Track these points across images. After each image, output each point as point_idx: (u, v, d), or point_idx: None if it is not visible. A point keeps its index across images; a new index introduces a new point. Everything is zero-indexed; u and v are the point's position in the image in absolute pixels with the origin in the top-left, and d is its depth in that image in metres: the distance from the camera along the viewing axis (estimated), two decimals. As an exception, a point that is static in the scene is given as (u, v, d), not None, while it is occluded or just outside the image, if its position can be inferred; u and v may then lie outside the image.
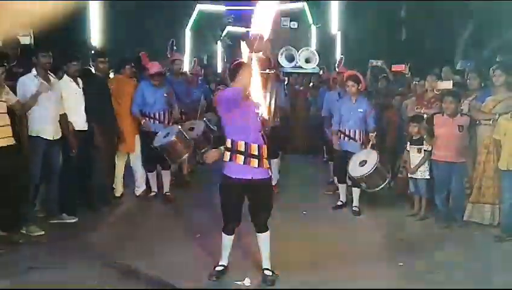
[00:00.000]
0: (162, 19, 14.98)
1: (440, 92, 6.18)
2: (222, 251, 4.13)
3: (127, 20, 12.40)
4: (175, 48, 7.56)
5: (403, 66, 8.37)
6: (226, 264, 4.15)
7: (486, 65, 6.43)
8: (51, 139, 5.08)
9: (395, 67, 8.62)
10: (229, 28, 21.68)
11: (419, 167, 5.81)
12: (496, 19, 10.84)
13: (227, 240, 4.10)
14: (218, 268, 4.13)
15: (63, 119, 5.26)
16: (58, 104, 5.19)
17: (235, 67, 3.90)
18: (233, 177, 3.88)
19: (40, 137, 5.00)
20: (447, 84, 6.13)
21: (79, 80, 5.56)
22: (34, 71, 4.99)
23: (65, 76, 5.46)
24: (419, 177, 5.84)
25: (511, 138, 4.98)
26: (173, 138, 5.83)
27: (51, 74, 5.14)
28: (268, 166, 3.97)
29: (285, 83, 10.74)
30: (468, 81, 6.10)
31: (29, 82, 4.92)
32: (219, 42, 21.25)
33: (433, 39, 11.76)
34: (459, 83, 6.45)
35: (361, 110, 6.09)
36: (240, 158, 3.84)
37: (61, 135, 5.22)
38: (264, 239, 4.07)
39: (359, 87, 6.12)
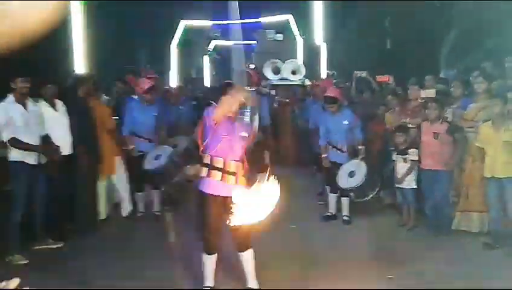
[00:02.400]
0: (148, 37, 15.00)
1: (424, 101, 6.23)
2: (204, 272, 4.05)
3: (112, 39, 12.38)
4: (148, 66, 7.58)
5: (387, 77, 8.45)
6: (211, 285, 4.07)
7: (469, 73, 6.48)
8: (35, 164, 5.00)
9: (379, 78, 8.67)
10: (215, 42, 21.80)
11: (405, 177, 5.82)
12: (478, 27, 10.96)
13: (208, 260, 4.01)
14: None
15: (46, 144, 5.17)
16: (39, 128, 5.11)
17: (223, 87, 3.99)
18: (209, 193, 3.85)
19: (23, 162, 4.92)
20: (430, 93, 6.18)
21: (58, 103, 5.49)
22: (11, 97, 4.91)
23: (40, 100, 5.37)
24: (406, 187, 5.85)
25: (494, 146, 5.00)
26: (166, 161, 5.83)
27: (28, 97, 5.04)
28: (246, 183, 3.90)
29: (271, 95, 10.80)
30: (451, 89, 6.15)
31: (11, 108, 4.85)
32: (206, 56, 21.33)
33: (416, 48, 11.86)
34: (443, 91, 6.49)
35: (347, 122, 6.14)
36: (217, 175, 3.81)
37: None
38: (246, 258, 4.01)
39: (339, 104, 6.16)
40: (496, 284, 4.24)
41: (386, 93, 7.77)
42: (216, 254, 4.02)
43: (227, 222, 3.82)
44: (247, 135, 3.77)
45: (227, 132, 3.79)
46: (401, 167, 5.87)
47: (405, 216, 5.96)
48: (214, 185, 3.84)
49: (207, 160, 3.85)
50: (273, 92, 11.29)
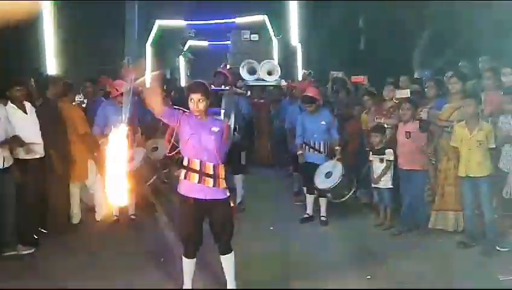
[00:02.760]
0: (121, 36, 14.75)
1: (398, 101, 6.28)
2: (184, 276, 3.99)
3: (84, 39, 12.13)
4: (131, 65, 7.39)
5: (362, 78, 8.49)
6: (190, 289, 4.01)
7: (443, 73, 6.56)
8: (1, 167, 4.84)
9: (354, 79, 8.72)
10: (190, 42, 21.65)
11: (382, 177, 5.84)
12: (452, 28, 11.11)
13: (187, 264, 3.94)
14: None
15: (13, 140, 5.01)
16: (3, 130, 4.94)
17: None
18: (187, 196, 3.77)
19: None
20: (405, 93, 6.22)
21: (27, 105, 5.32)
22: None
23: (9, 103, 5.20)
24: (382, 186, 5.87)
25: (467, 145, 5.05)
26: (139, 163, 5.70)
27: None
28: (225, 186, 3.83)
29: (247, 95, 10.74)
30: (426, 89, 6.20)
31: None
32: (181, 56, 21.15)
33: (391, 48, 11.96)
34: (417, 91, 6.54)
35: (324, 123, 6.15)
36: (194, 177, 3.73)
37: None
38: (227, 261, 3.95)
39: (317, 104, 6.17)
40: (470, 283, 4.28)
41: (361, 93, 7.83)
42: (194, 258, 3.94)
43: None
44: (217, 129, 3.72)
45: (194, 130, 3.71)
46: (377, 167, 5.90)
47: (381, 216, 5.99)
48: (191, 187, 3.76)
49: (185, 162, 3.78)
50: (248, 93, 11.24)
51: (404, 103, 5.74)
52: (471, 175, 5.02)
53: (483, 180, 4.96)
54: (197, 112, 3.71)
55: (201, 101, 3.70)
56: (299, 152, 6.28)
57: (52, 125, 5.51)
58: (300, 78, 11.06)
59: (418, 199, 5.62)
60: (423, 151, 5.53)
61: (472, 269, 4.66)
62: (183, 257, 3.94)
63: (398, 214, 5.92)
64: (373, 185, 6.00)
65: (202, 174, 3.72)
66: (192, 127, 3.72)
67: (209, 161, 3.74)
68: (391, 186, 5.84)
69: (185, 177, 3.76)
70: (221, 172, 3.78)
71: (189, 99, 3.73)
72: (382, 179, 5.84)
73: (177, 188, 3.88)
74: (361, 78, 8.64)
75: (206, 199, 3.74)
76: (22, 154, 5.16)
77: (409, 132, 5.57)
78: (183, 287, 4.00)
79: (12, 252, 5.06)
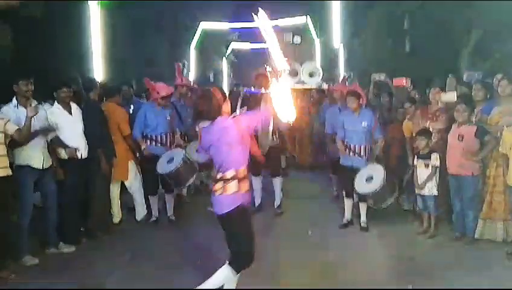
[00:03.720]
0: (166, 39, 14.98)
1: (445, 105, 6.04)
2: None
3: (130, 41, 12.39)
4: (185, 70, 7.40)
5: (404, 80, 8.23)
6: None
7: (491, 76, 6.26)
8: (41, 168, 4.95)
9: (395, 81, 8.47)
10: (233, 45, 21.77)
11: (426, 183, 5.62)
12: (500, 29, 10.67)
13: (233, 279, 3.70)
14: None
15: (54, 143, 5.13)
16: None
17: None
18: (235, 208, 3.61)
19: (29, 166, 4.87)
20: (451, 96, 5.97)
21: (73, 106, 5.43)
22: (14, 100, 4.88)
23: (55, 103, 5.33)
24: (427, 193, 5.65)
25: (518, 152, 4.78)
26: (179, 165, 5.75)
27: (34, 100, 4.98)
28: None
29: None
30: (473, 92, 5.93)
31: (10, 112, 4.80)
32: (224, 59, 21.30)
33: (437, 50, 11.58)
34: (465, 94, 6.26)
35: (366, 123, 5.95)
36: (246, 185, 3.67)
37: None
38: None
39: (360, 102, 6.01)
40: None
41: (403, 96, 7.58)
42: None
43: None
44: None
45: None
46: (422, 172, 5.67)
47: (425, 224, 5.76)
48: (244, 196, 3.66)
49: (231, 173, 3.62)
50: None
51: (459, 103, 5.45)
52: (521, 184, 4.75)
53: (534, 189, 4.69)
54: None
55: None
56: (340, 148, 6.08)
57: (99, 126, 5.61)
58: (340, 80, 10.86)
59: (468, 206, 5.34)
60: (474, 157, 5.23)
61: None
62: (235, 272, 3.69)
63: (442, 222, 5.70)
64: (417, 192, 5.78)
65: (240, 180, 3.62)
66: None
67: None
68: (436, 193, 5.61)
69: (221, 193, 3.60)
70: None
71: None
72: (427, 185, 5.61)
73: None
74: (402, 81, 8.37)
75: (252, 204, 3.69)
76: (63, 155, 5.28)
77: (462, 135, 5.31)
78: None
79: (54, 250, 5.18)
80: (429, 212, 5.71)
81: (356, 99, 5.96)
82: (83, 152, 5.40)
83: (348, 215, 6.20)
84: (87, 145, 5.44)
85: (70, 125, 5.33)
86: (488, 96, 5.77)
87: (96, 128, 5.54)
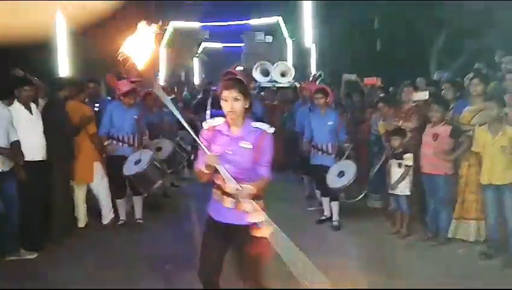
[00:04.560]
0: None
1: (416, 104, 6.03)
2: None
3: (97, 40, 12.04)
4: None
5: (375, 79, 8.26)
6: None
7: (460, 75, 6.30)
8: (1, 171, 4.69)
9: (367, 81, 8.48)
10: (205, 44, 21.56)
11: (399, 183, 5.58)
12: (468, 28, 10.83)
13: None
14: None
15: (15, 147, 4.85)
16: (6, 132, 4.78)
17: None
18: (210, 216, 3.16)
19: None
20: (423, 96, 5.98)
21: (33, 106, 5.18)
22: None
23: (15, 102, 5.06)
24: (400, 193, 5.61)
25: (490, 151, 4.77)
26: (146, 166, 5.54)
27: None
28: (251, 209, 2.88)
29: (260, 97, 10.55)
30: (442, 92, 5.94)
31: None
32: (195, 58, 21.07)
33: (407, 49, 11.69)
34: (434, 93, 6.27)
35: (331, 123, 6.04)
36: (217, 194, 3.11)
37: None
38: None
39: (327, 100, 6.08)
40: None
41: (374, 95, 7.60)
42: None
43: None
44: (250, 146, 3.02)
45: (221, 149, 3.05)
46: (395, 172, 5.63)
47: (398, 224, 5.73)
48: (214, 206, 3.13)
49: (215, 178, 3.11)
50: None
51: (433, 103, 5.43)
52: (494, 183, 4.74)
53: (507, 188, 4.68)
54: (231, 114, 3.00)
55: (237, 99, 2.99)
56: (306, 147, 6.20)
57: (59, 126, 5.36)
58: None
59: (440, 205, 5.31)
60: (447, 157, 5.21)
61: (494, 281, 4.38)
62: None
63: (416, 222, 5.69)
64: (390, 191, 5.74)
65: (223, 193, 3.05)
66: (220, 145, 3.05)
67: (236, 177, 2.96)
68: (408, 193, 5.57)
69: (212, 194, 3.15)
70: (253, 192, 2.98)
71: (222, 99, 3.03)
72: (399, 185, 5.58)
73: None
74: (374, 80, 8.40)
75: (229, 224, 3.06)
76: (26, 156, 5.01)
77: (437, 134, 5.28)
78: None
79: (15, 257, 4.91)
80: (402, 211, 5.67)
81: (323, 97, 6.01)
82: (41, 153, 5.15)
83: (326, 211, 6.25)
84: (45, 146, 5.19)
85: (30, 125, 5.07)
86: (458, 95, 5.80)
87: (56, 128, 5.30)
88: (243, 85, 3.05)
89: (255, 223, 2.85)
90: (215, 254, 3.12)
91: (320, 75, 9.74)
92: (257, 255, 3.03)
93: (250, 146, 3.02)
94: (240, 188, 2.89)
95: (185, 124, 3.04)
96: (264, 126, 3.11)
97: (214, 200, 3.13)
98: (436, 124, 5.30)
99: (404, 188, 5.57)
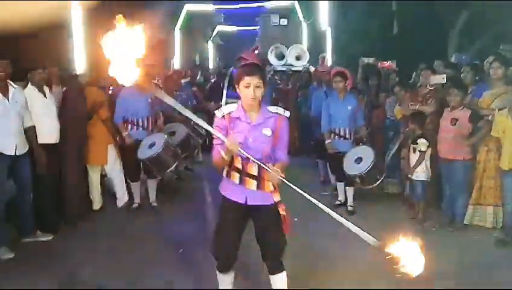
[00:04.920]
0: (150, 21, 14.60)
1: (434, 88, 5.91)
2: None
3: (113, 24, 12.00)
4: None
5: (389, 63, 8.13)
6: None
7: (479, 58, 6.14)
8: (14, 155, 4.69)
9: (381, 64, 8.35)
10: (219, 27, 21.41)
11: (416, 168, 5.49)
12: (489, 10, 10.54)
13: (222, 279, 3.31)
14: None
15: (30, 132, 4.86)
16: (21, 116, 4.78)
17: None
18: (227, 197, 3.20)
19: (2, 153, 4.60)
20: (440, 79, 5.85)
21: (46, 90, 5.18)
22: None
23: (29, 85, 5.07)
24: (415, 178, 5.53)
25: (511, 136, 4.65)
26: (160, 150, 5.55)
27: (10, 82, 4.71)
28: (272, 190, 3.11)
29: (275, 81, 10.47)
30: (462, 75, 5.81)
31: None
32: (210, 42, 20.97)
33: (425, 32, 11.44)
34: (452, 77, 6.13)
35: (350, 107, 5.94)
36: (235, 176, 3.11)
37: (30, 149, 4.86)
38: (277, 282, 3.29)
39: (346, 84, 5.95)
40: (510, 284, 3.97)
41: (391, 83, 7.48)
42: (233, 274, 3.34)
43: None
44: (270, 133, 3.07)
45: (242, 136, 3.05)
46: (412, 157, 5.55)
47: (416, 209, 5.65)
48: (232, 188, 3.16)
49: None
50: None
51: (452, 87, 5.30)
52: (514, 168, 4.63)
53: (527, 173, 4.58)
54: (252, 100, 3.02)
55: (259, 86, 3.02)
56: (327, 141, 6.01)
57: (78, 110, 5.43)
58: (329, 62, 10.68)
59: (459, 191, 5.22)
60: (466, 141, 5.09)
61: (511, 268, 4.31)
62: (217, 271, 3.32)
63: (432, 208, 5.63)
64: (408, 175, 5.67)
65: (245, 174, 3.09)
66: (240, 132, 3.05)
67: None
68: (423, 179, 5.48)
69: (227, 175, 3.17)
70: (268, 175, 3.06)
71: (242, 85, 3.03)
72: (416, 171, 5.48)
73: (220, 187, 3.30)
74: (388, 64, 8.26)
75: (246, 204, 3.14)
76: (40, 140, 5.02)
77: (456, 118, 5.15)
78: None
79: (31, 239, 4.97)
80: (417, 197, 5.60)
81: (342, 80, 5.90)
82: (55, 136, 5.18)
83: (341, 197, 6.21)
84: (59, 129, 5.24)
85: (44, 108, 5.09)
86: (477, 79, 5.67)
87: (73, 111, 5.36)
88: (263, 72, 3.09)
89: (276, 203, 3.09)
90: (236, 235, 3.20)
91: (324, 58, 9.62)
92: (280, 232, 3.18)
93: (270, 132, 3.08)
94: (279, 171, 2.98)
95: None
96: (279, 110, 3.16)
97: (231, 182, 3.15)
98: (454, 109, 5.18)
99: (419, 174, 5.49)
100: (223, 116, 3.11)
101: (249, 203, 3.13)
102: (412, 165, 5.51)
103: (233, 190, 3.16)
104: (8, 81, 4.67)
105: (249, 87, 3.01)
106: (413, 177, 5.53)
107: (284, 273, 3.29)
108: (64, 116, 5.33)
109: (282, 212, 3.12)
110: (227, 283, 3.34)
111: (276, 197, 3.12)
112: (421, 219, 5.54)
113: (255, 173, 3.08)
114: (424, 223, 5.49)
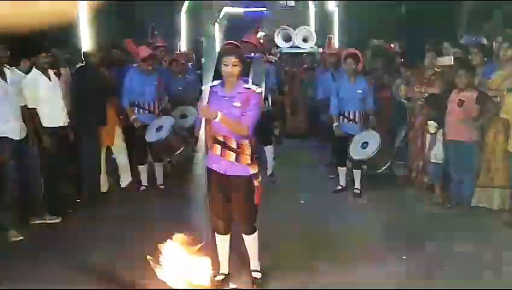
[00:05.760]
0: (154, 4, 14.48)
1: (441, 69, 5.84)
2: (219, 256, 3.74)
3: (117, 9, 11.93)
4: (156, 32, 7.29)
5: (392, 44, 8.05)
6: (226, 272, 3.78)
7: (487, 38, 6.05)
8: (19, 138, 4.73)
9: (389, 46, 8.26)
10: (226, 9, 21.24)
11: (430, 151, 5.47)
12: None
13: (219, 240, 3.71)
14: (219, 277, 3.72)
15: (26, 114, 4.88)
16: (18, 99, 4.80)
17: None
18: (210, 167, 3.59)
19: (8, 138, 4.64)
20: (447, 60, 5.77)
21: (51, 73, 5.18)
22: None
23: (34, 69, 5.07)
24: (431, 161, 5.51)
25: (520, 117, 4.61)
26: (168, 132, 5.56)
27: (7, 66, 4.73)
28: (249, 162, 3.47)
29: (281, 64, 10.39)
30: (470, 56, 5.73)
31: None
32: (216, 24, 20.83)
33: (433, 13, 11.25)
34: (460, 58, 6.04)
35: (361, 91, 5.85)
36: (217, 148, 3.50)
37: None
38: (248, 241, 3.69)
39: (357, 67, 5.84)
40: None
41: (396, 65, 7.39)
42: (228, 237, 3.72)
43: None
44: (239, 104, 3.41)
45: (216, 106, 3.43)
46: (426, 140, 5.55)
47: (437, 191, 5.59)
48: (215, 159, 3.54)
49: (212, 132, 3.56)
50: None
51: (460, 68, 5.23)
52: (524, 150, 4.59)
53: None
54: (230, 77, 3.44)
55: (235, 64, 3.42)
56: (335, 124, 5.96)
57: (90, 91, 5.47)
58: (336, 45, 10.54)
59: (465, 173, 5.19)
60: (473, 122, 5.05)
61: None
62: (216, 233, 3.72)
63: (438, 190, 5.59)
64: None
65: (225, 147, 3.47)
66: (215, 104, 3.46)
67: (232, 134, 3.46)
68: (435, 161, 5.44)
69: (211, 149, 3.57)
70: (245, 147, 3.47)
71: (222, 63, 3.46)
72: (431, 153, 5.46)
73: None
74: (390, 45, 8.18)
75: (225, 174, 3.51)
76: (45, 123, 5.08)
77: (463, 100, 5.09)
78: (220, 270, 3.76)
79: (39, 221, 5.03)
80: (433, 180, 5.59)
81: (354, 63, 5.80)
82: (62, 119, 5.21)
83: (342, 181, 6.13)
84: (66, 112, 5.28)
85: (49, 92, 5.11)
86: (486, 60, 5.59)
87: (87, 93, 5.40)
88: (239, 52, 3.63)
89: (252, 174, 3.48)
90: (222, 198, 3.58)
91: (330, 39, 9.52)
92: (252, 201, 3.53)
93: (239, 104, 3.42)
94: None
95: None
96: (253, 87, 3.53)
97: (213, 154, 3.53)
98: (462, 90, 5.13)
99: (433, 155, 5.46)
100: (208, 89, 3.57)
101: (228, 173, 3.50)
102: (426, 148, 5.49)
103: (214, 161, 3.54)
104: (5, 65, 4.67)
105: (228, 65, 3.41)
106: (431, 159, 5.49)
107: (256, 234, 3.66)
108: (78, 95, 5.38)
109: (256, 183, 3.48)
110: (223, 245, 3.71)
111: (253, 170, 3.48)
112: (439, 201, 5.49)
113: (234, 146, 3.45)
114: (442, 204, 5.43)
